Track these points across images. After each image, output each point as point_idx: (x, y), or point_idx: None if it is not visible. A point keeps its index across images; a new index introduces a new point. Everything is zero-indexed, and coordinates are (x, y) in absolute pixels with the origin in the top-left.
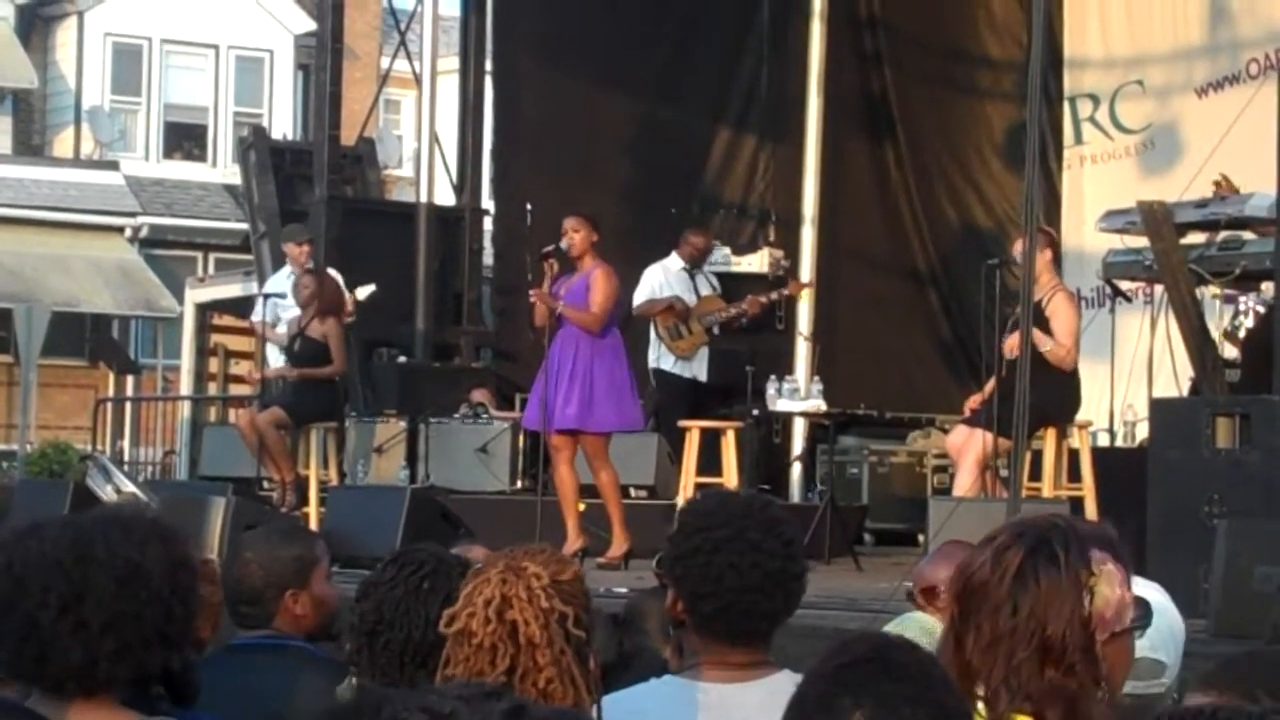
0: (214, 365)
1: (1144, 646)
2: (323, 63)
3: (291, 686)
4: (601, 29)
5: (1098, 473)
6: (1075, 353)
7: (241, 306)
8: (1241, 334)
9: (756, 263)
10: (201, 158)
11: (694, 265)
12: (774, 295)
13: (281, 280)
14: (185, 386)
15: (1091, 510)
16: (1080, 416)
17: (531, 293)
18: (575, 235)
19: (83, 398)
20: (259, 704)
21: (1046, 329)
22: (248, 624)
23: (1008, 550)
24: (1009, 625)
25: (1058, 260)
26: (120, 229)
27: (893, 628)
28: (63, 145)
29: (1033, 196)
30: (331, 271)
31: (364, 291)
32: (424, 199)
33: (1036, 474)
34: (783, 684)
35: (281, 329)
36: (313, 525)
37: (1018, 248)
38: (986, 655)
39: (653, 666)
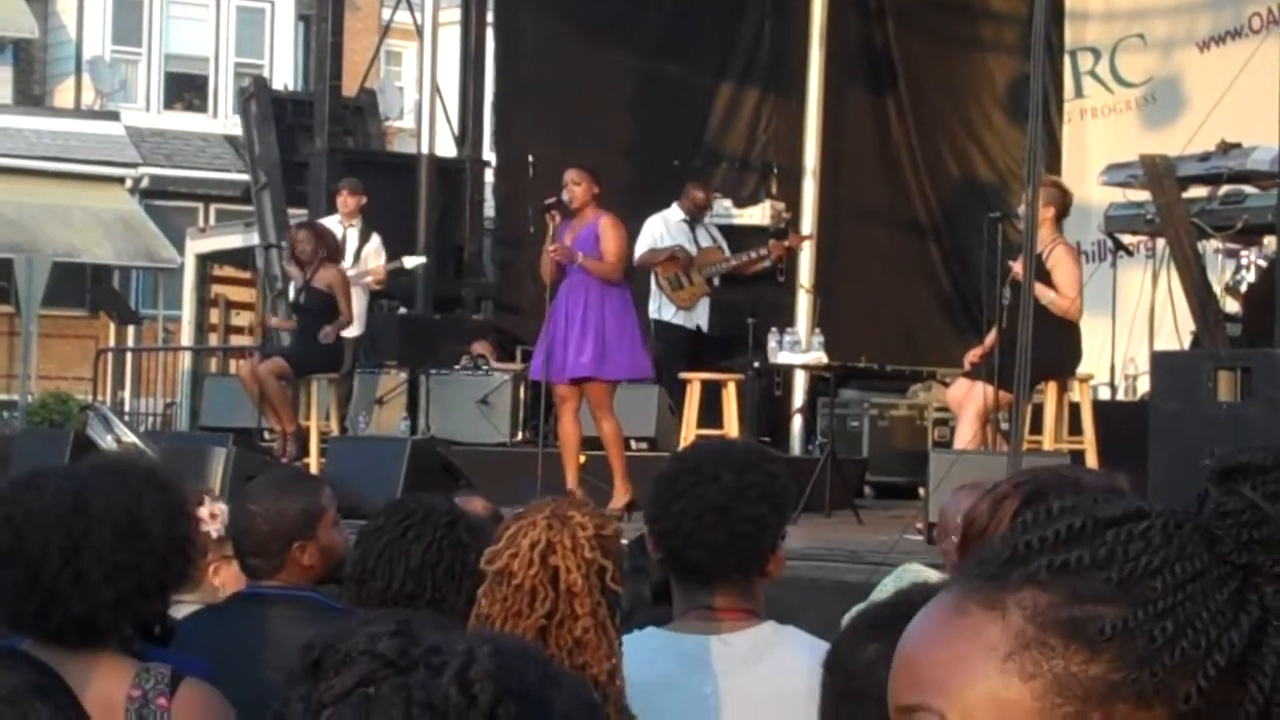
0: (215, 316)
1: None
2: (324, 13)
3: (302, 637)
4: None
5: (1099, 426)
6: (1080, 302)
7: (242, 257)
8: (1243, 288)
9: (758, 215)
10: (202, 108)
11: (694, 218)
12: (786, 244)
13: (333, 225)
14: (186, 337)
15: (1092, 463)
16: (1081, 370)
17: (549, 248)
18: (576, 188)
19: (83, 348)
20: (270, 653)
21: (1048, 282)
22: (256, 575)
23: (1005, 499)
24: None
25: (1066, 215)
26: (121, 179)
27: (890, 580)
28: (63, 96)
29: (1035, 150)
30: (376, 236)
31: (412, 261)
32: (425, 150)
33: (1037, 427)
34: (766, 635)
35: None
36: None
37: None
38: None
39: (650, 617)
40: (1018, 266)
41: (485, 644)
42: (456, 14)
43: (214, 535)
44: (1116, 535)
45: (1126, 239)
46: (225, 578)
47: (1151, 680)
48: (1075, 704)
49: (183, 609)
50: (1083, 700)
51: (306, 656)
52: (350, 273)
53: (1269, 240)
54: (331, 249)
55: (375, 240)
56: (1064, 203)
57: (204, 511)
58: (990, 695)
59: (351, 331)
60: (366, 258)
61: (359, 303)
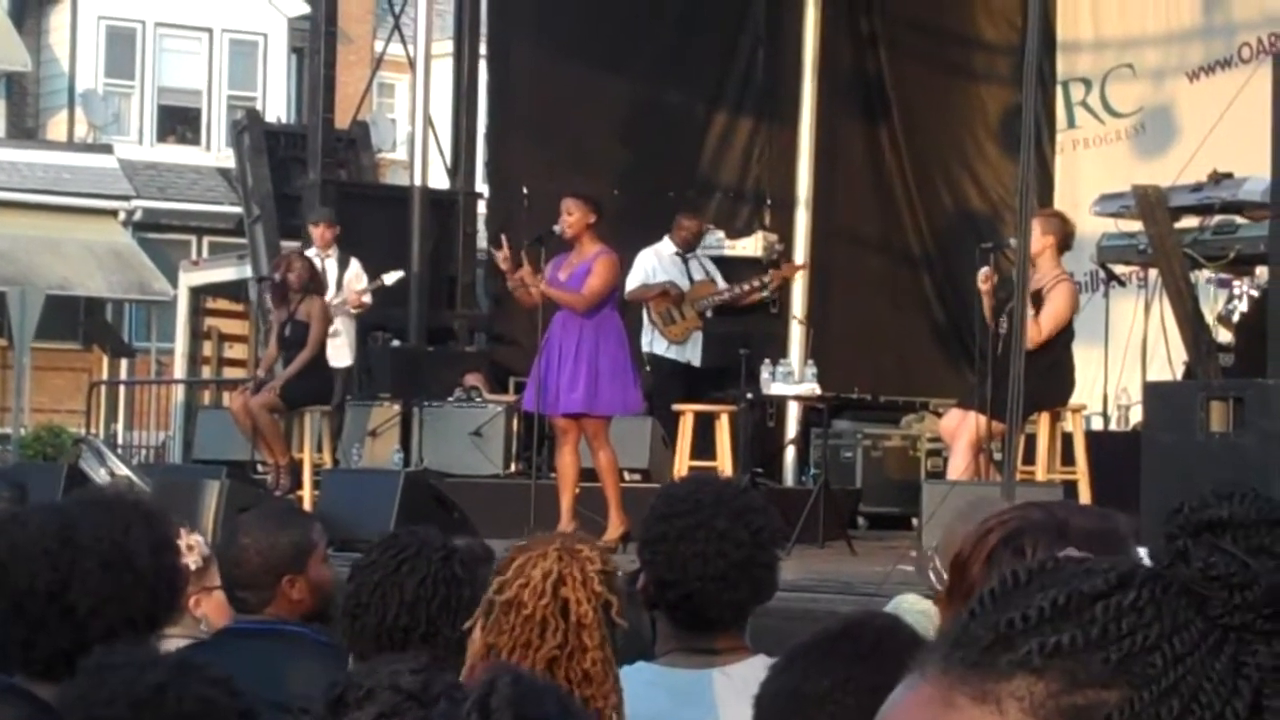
0: (208, 349)
1: None
2: (317, 46)
3: (290, 672)
4: (596, 11)
5: (1091, 456)
6: (1042, 338)
7: (235, 290)
8: (1235, 318)
9: (751, 247)
10: (195, 141)
11: (686, 249)
12: (780, 273)
13: (312, 258)
14: (179, 370)
15: (1085, 494)
16: (1074, 400)
17: (515, 276)
18: (568, 217)
19: (76, 381)
20: (260, 689)
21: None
22: (245, 608)
23: (989, 534)
24: None
25: (1069, 247)
26: (114, 212)
27: (888, 609)
28: (56, 128)
29: (1027, 180)
30: (354, 261)
31: (391, 277)
32: (418, 182)
33: (1030, 458)
34: (755, 669)
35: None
36: (306, 509)
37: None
38: None
39: (640, 649)
40: (983, 279)
41: (505, 674)
42: (449, 46)
43: (192, 567)
44: (1105, 610)
45: (1119, 269)
46: (207, 609)
47: None
48: None
49: (169, 643)
50: None
51: (329, 694)
52: (335, 301)
53: (1261, 270)
54: (317, 282)
55: (355, 265)
56: (1065, 233)
57: (180, 544)
58: None
59: (342, 362)
60: (349, 284)
61: (348, 334)
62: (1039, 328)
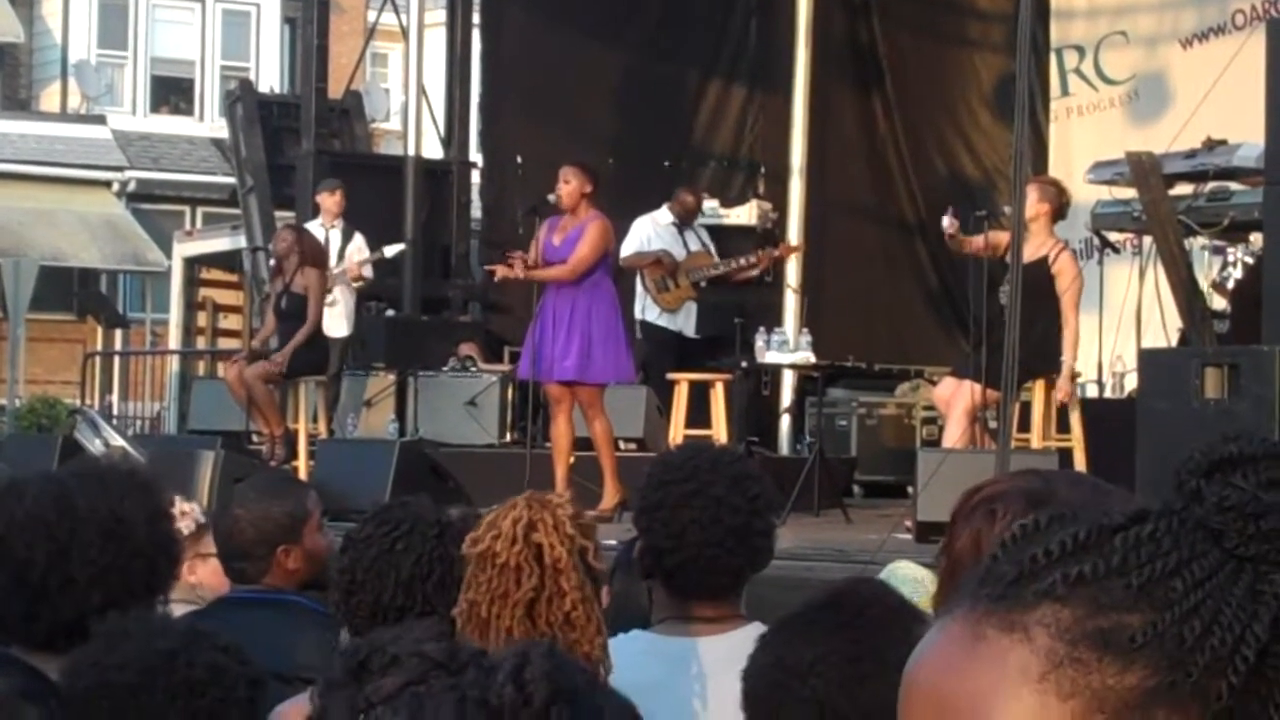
0: (202, 319)
1: None
2: (309, 16)
3: (288, 641)
4: None
5: (1086, 424)
6: (1077, 317)
7: (229, 260)
8: (1230, 285)
9: (745, 215)
10: (188, 111)
11: (683, 221)
12: (775, 253)
13: (315, 230)
14: (173, 341)
15: (1080, 462)
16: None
17: (503, 268)
18: (564, 186)
19: (71, 352)
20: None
21: (1050, 285)
22: (241, 578)
23: (971, 497)
24: (950, 570)
25: (1063, 216)
26: (108, 183)
27: (880, 578)
28: (49, 99)
29: (1021, 148)
30: (359, 235)
31: (392, 250)
32: (411, 152)
33: (1025, 425)
34: (750, 638)
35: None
36: (302, 478)
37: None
38: (946, 587)
39: (637, 617)
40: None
41: (538, 648)
42: (442, 15)
43: (185, 532)
44: (1125, 540)
45: (1113, 236)
46: (201, 575)
47: (1186, 682)
48: (1116, 716)
49: (170, 609)
50: (1123, 711)
51: (350, 660)
52: (335, 271)
53: (1255, 237)
54: (315, 253)
55: (358, 239)
56: (1061, 202)
57: (174, 510)
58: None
59: (339, 333)
60: (350, 257)
61: (346, 304)
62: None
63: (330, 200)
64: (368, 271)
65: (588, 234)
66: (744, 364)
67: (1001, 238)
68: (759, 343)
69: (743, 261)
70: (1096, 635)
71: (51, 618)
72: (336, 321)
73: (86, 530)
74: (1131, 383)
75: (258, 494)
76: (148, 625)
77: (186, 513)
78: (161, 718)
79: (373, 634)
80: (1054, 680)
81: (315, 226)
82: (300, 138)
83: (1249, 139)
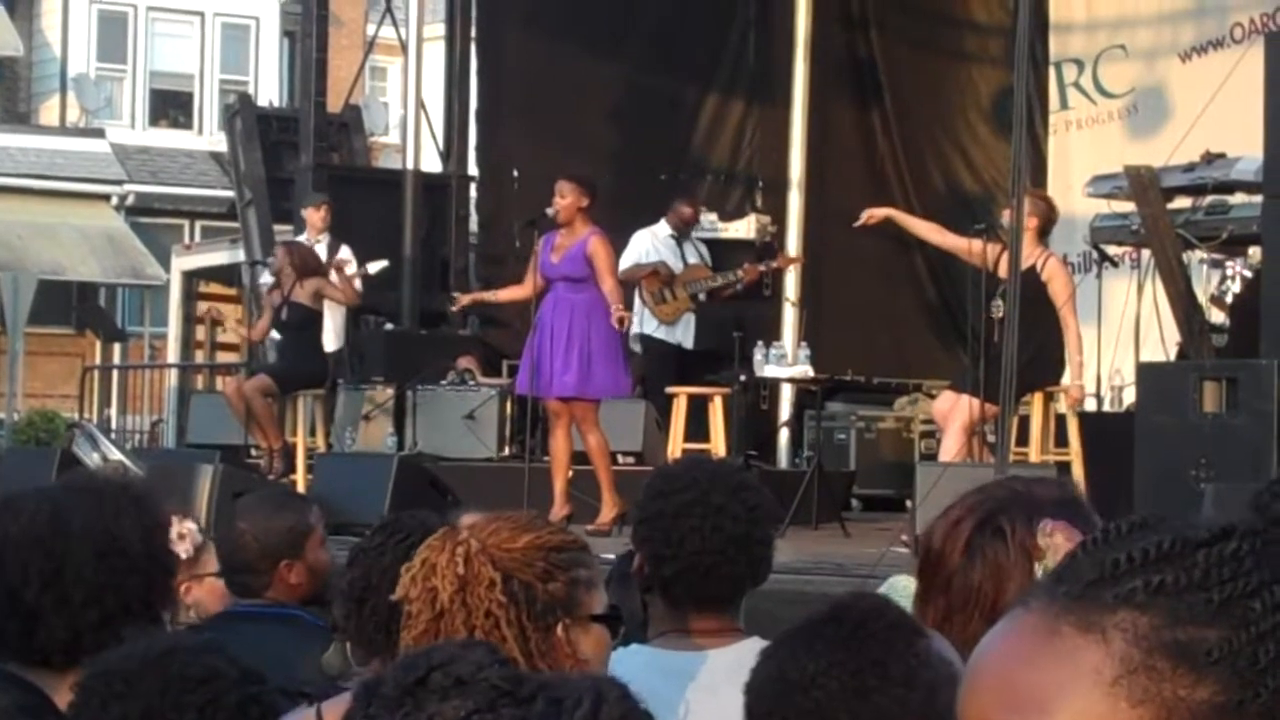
0: (201, 333)
1: None
2: (308, 29)
3: (291, 655)
4: None
5: (1085, 437)
6: (1076, 317)
7: (228, 274)
8: (1228, 299)
9: (744, 229)
10: (187, 125)
11: (681, 234)
12: (769, 265)
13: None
14: (172, 354)
15: (1078, 475)
16: (1067, 381)
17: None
18: (561, 200)
19: (70, 366)
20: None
21: (1042, 294)
22: (244, 592)
23: (960, 523)
24: (961, 598)
25: (1049, 230)
26: (106, 197)
27: (881, 591)
28: (48, 113)
29: (1020, 162)
30: (345, 248)
31: (375, 266)
32: (410, 166)
33: (1024, 439)
34: (749, 651)
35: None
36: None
37: (1007, 215)
38: (944, 626)
39: (633, 631)
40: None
41: (614, 687)
42: (441, 29)
43: (183, 556)
44: (1209, 556)
45: (1112, 250)
46: (197, 595)
47: (1255, 702)
48: None
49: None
50: None
51: (405, 676)
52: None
53: (1254, 250)
54: (307, 264)
55: (344, 251)
56: (1048, 217)
57: (173, 532)
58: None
59: (329, 347)
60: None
61: (335, 319)
62: (1073, 333)
63: (315, 215)
64: (357, 284)
65: (598, 252)
66: (742, 378)
67: (978, 244)
68: (757, 356)
69: (733, 276)
70: (1173, 646)
71: (47, 635)
72: (327, 336)
73: (81, 548)
74: (1130, 396)
75: (262, 508)
76: (151, 636)
77: (185, 535)
78: (151, 707)
79: (418, 651)
80: (1126, 685)
81: (303, 241)
82: (299, 151)
83: (1247, 152)
